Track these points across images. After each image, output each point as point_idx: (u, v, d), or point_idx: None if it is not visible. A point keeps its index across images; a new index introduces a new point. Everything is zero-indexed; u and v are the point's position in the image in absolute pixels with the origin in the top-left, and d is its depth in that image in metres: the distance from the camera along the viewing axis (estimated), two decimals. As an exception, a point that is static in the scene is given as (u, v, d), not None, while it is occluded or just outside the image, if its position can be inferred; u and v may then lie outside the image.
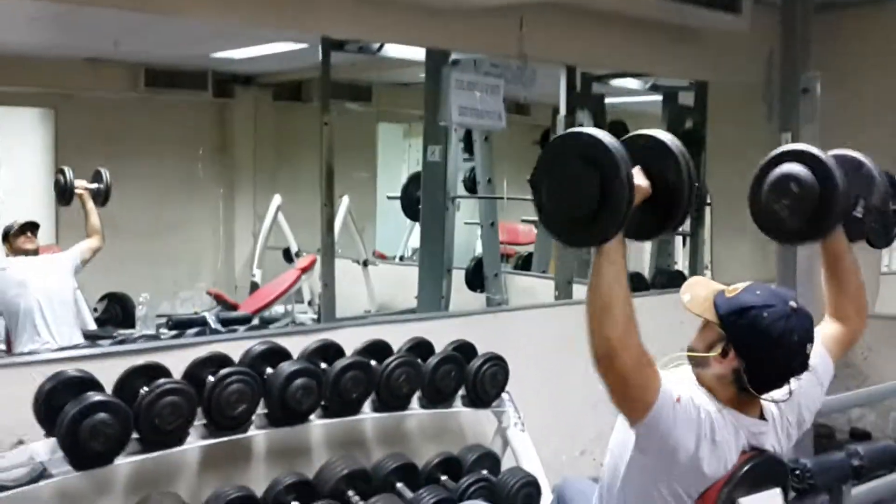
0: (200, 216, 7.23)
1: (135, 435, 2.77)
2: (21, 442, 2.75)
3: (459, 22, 3.84)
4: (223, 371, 2.94)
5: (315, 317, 5.95)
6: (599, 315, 1.80)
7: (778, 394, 1.99)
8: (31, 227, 4.46)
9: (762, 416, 2.01)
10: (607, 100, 6.17)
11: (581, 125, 5.47)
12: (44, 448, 2.70)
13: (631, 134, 1.97)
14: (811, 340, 1.95)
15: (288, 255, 6.74)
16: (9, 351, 4.24)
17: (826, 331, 2.24)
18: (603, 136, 1.83)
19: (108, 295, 5.76)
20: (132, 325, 5.36)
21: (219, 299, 6.44)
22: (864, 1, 4.29)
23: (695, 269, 5.61)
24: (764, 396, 1.98)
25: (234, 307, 6.17)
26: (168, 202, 6.93)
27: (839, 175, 2.17)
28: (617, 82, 5.93)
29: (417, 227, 6.79)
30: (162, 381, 2.82)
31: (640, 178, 1.84)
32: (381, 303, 6.21)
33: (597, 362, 1.83)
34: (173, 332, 4.40)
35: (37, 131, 6.36)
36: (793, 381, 2.00)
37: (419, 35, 3.98)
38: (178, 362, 3.05)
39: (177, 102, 6.80)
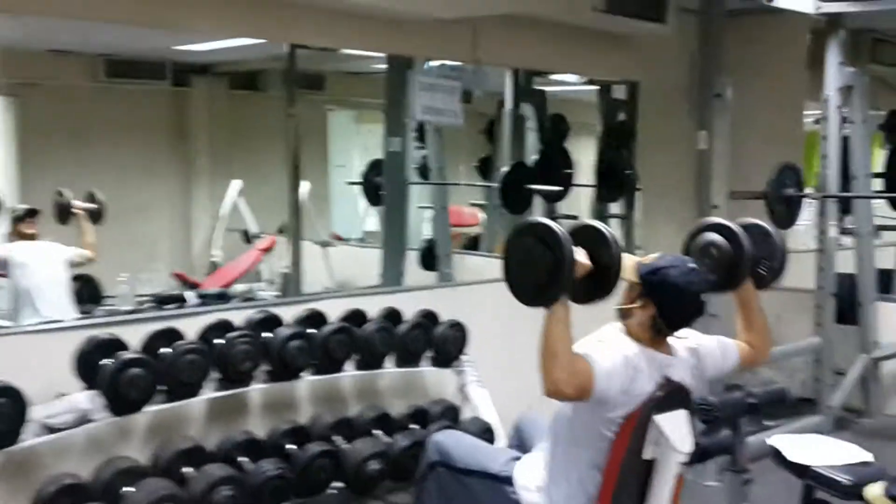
0: (159, 201, 7.72)
1: (160, 387, 3.41)
2: (62, 394, 3.35)
3: (419, 31, 4.46)
4: (231, 334, 3.60)
5: (276, 294, 6.57)
6: (549, 360, 2.48)
7: (682, 333, 2.75)
8: (32, 214, 5.01)
9: (671, 353, 2.76)
10: (549, 88, 6.88)
11: (525, 117, 6.24)
12: (84, 398, 3.33)
13: (579, 223, 2.69)
14: (705, 290, 2.70)
15: (247, 237, 7.34)
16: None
17: (741, 343, 2.97)
18: (553, 225, 2.51)
19: (78, 276, 6.30)
20: (100, 304, 5.93)
21: (181, 279, 7.01)
22: (766, 10, 5.06)
23: (628, 248, 6.39)
24: (673, 335, 2.73)
25: (196, 286, 6.75)
26: (128, 188, 7.37)
27: (747, 244, 2.93)
28: (557, 76, 6.68)
29: (372, 210, 7.49)
30: (182, 342, 3.47)
31: (583, 258, 2.54)
32: (339, 281, 6.85)
33: (549, 394, 2.51)
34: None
35: (1, 119, 6.80)
36: (696, 335, 2.78)
37: (382, 43, 4.59)
38: (185, 328, 3.69)
39: (136, 92, 7.27)
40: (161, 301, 5.19)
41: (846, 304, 5.43)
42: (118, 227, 7.26)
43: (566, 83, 6.90)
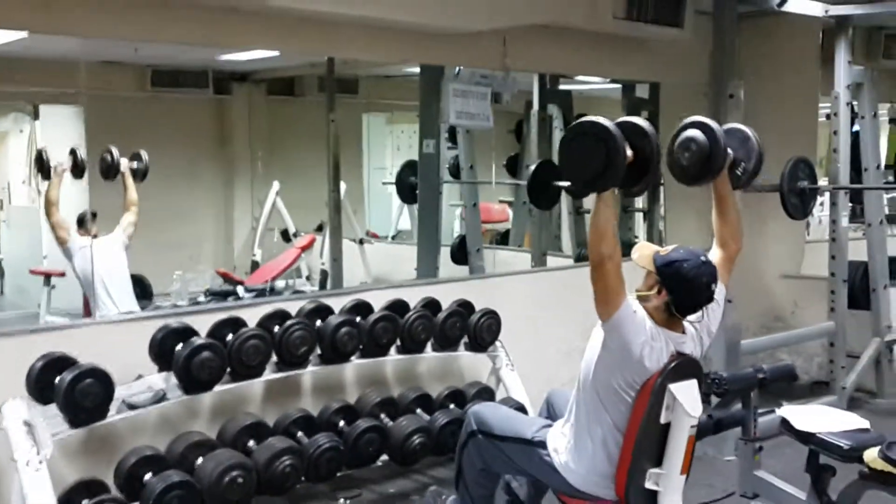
0: (202, 203, 8.16)
1: (227, 369, 3.87)
2: (140, 376, 3.81)
3: (452, 42, 4.88)
4: (289, 322, 4.05)
5: (314, 289, 7.03)
6: (598, 238, 2.93)
7: (693, 317, 3.15)
8: (93, 216, 5.48)
9: (683, 332, 3.16)
10: (574, 87, 7.27)
11: (552, 117, 6.65)
12: (159, 379, 3.79)
13: (622, 119, 3.07)
14: (715, 282, 3.09)
15: (286, 236, 7.81)
16: (86, 315, 5.27)
17: (714, 260, 3.29)
18: (608, 123, 2.93)
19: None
20: (151, 301, 6.40)
21: (226, 277, 7.48)
22: (772, 12, 5.46)
23: (651, 239, 6.78)
24: (685, 319, 3.13)
25: (240, 283, 7.23)
26: (172, 191, 7.81)
27: (722, 139, 3.32)
28: (582, 76, 7.08)
29: (405, 209, 7.94)
30: (246, 329, 3.93)
31: (626, 150, 2.95)
32: (375, 276, 7.29)
33: (593, 267, 2.95)
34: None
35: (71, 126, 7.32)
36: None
37: (417, 54, 5.04)
38: (246, 317, 4.14)
39: (180, 100, 7.78)
40: (215, 295, 5.66)
41: (858, 290, 5.80)
42: (163, 230, 7.76)
43: (590, 83, 7.29)
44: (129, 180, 5.61)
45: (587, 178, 2.99)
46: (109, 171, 5.48)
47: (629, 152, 2.96)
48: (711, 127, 3.33)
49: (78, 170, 5.44)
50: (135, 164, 5.68)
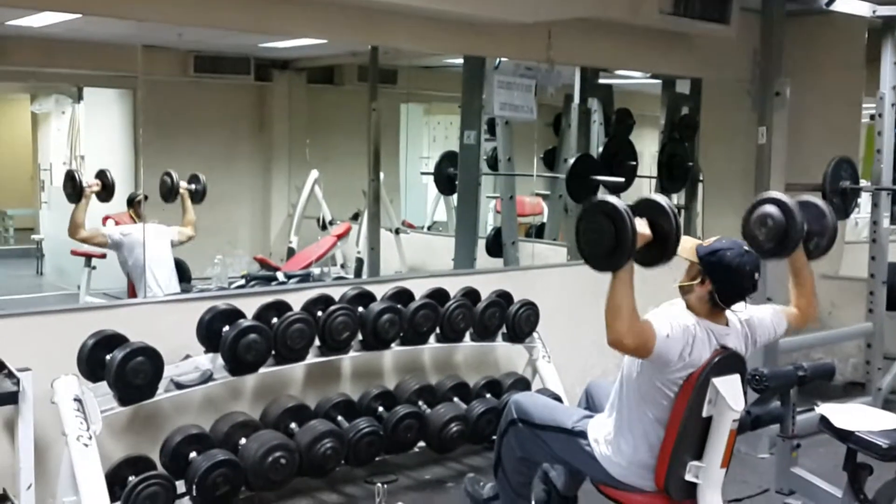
0: (240, 189, 8.28)
1: (272, 352, 3.95)
2: (188, 356, 3.89)
3: (498, 33, 4.93)
4: (332, 307, 4.11)
5: (350, 277, 7.10)
6: (613, 315, 2.93)
7: (737, 307, 3.18)
8: (145, 198, 5.60)
9: (727, 324, 3.19)
10: (613, 81, 7.28)
11: (591, 111, 6.67)
12: (206, 360, 3.88)
13: (642, 197, 3.11)
14: (758, 270, 3.13)
15: (322, 224, 7.89)
16: (132, 297, 5.41)
17: (789, 309, 3.47)
18: (617, 202, 2.94)
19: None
20: (189, 283, 6.51)
21: (263, 263, 7.59)
22: (824, 11, 5.45)
23: (688, 235, 6.79)
24: (728, 308, 3.17)
25: (276, 269, 7.32)
26: (211, 177, 7.88)
27: (799, 216, 3.38)
28: (623, 70, 7.09)
29: (441, 199, 8.00)
30: (291, 313, 4.00)
31: (644, 228, 2.97)
32: (410, 265, 7.36)
33: (611, 343, 2.97)
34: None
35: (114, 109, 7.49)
36: (749, 308, 3.21)
37: (463, 45, 5.08)
38: (291, 301, 4.22)
39: (221, 86, 7.87)
40: (256, 279, 5.77)
41: (897, 292, 5.78)
42: (201, 215, 7.89)
43: (630, 77, 7.31)
44: (188, 202, 5.89)
45: (598, 258, 2.99)
46: (169, 194, 5.71)
47: (647, 231, 2.98)
48: (787, 203, 3.41)
49: (106, 192, 5.57)
50: (192, 186, 5.93)
